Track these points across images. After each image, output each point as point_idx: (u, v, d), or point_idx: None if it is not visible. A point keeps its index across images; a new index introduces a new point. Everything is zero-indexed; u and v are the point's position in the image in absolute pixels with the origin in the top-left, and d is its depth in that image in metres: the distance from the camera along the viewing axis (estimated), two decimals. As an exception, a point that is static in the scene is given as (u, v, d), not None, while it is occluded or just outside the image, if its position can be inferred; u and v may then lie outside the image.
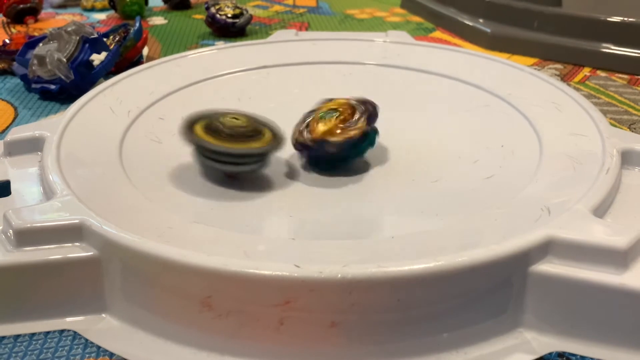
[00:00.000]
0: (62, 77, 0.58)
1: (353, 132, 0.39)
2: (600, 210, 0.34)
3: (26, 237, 0.32)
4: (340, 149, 0.40)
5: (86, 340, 0.31)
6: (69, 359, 0.30)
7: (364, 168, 0.42)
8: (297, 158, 0.43)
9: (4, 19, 0.88)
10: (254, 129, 0.39)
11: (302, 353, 0.30)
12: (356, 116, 0.40)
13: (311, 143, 0.40)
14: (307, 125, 0.41)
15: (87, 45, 0.60)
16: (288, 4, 1.01)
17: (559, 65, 0.69)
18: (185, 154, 0.43)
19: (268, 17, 0.93)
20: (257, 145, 0.39)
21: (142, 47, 0.69)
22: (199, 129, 0.39)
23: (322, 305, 0.29)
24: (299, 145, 0.41)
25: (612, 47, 0.68)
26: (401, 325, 0.29)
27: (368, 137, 0.40)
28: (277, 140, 0.40)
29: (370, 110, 0.41)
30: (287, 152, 0.43)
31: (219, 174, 0.41)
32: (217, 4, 0.82)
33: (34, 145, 0.42)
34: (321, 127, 0.40)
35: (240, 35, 0.82)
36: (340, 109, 0.40)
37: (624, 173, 0.39)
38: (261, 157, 0.39)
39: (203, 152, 0.39)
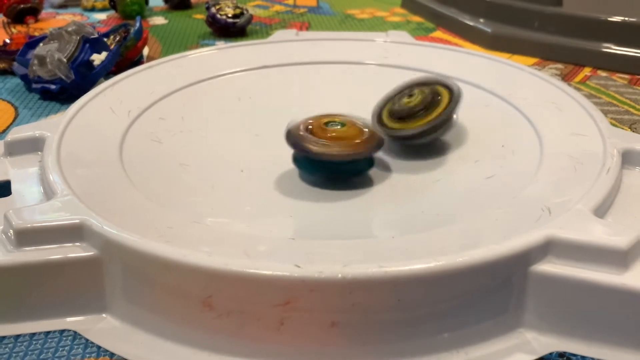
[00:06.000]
0: (63, 77, 0.58)
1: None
2: (601, 211, 0.34)
3: (27, 237, 0.32)
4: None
5: (86, 340, 0.31)
6: (70, 359, 0.30)
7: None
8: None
9: (5, 19, 0.88)
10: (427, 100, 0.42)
11: (302, 353, 0.30)
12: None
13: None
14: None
15: (87, 45, 0.60)
16: (288, 4, 1.01)
17: (559, 65, 0.69)
18: (185, 154, 0.43)
19: (268, 17, 0.93)
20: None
21: (143, 47, 0.69)
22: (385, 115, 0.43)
23: (323, 305, 0.29)
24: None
25: (613, 47, 0.68)
26: (401, 325, 0.29)
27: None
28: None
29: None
30: (287, 152, 0.43)
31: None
32: (218, 4, 0.82)
33: (35, 145, 0.42)
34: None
35: (240, 35, 0.82)
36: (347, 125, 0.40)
37: (624, 173, 0.39)
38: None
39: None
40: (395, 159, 0.43)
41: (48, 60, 0.59)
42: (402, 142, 0.43)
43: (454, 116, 0.42)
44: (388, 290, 0.28)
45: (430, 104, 0.42)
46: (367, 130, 0.40)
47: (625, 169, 0.39)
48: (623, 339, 0.30)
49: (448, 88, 0.42)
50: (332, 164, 0.39)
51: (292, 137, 0.39)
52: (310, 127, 0.39)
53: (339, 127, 0.39)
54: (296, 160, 0.40)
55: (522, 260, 0.30)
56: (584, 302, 0.30)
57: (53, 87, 0.59)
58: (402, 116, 0.42)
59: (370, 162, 0.40)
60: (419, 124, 0.42)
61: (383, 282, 0.28)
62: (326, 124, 0.39)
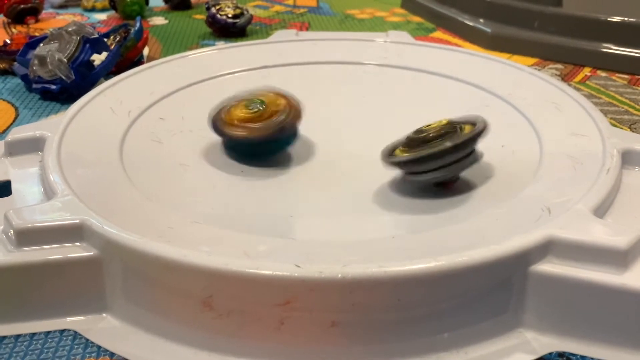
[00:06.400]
0: (63, 77, 0.58)
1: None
2: (601, 210, 0.34)
3: (27, 237, 0.32)
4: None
5: (87, 340, 0.31)
6: (70, 359, 0.30)
7: (364, 168, 0.42)
8: (297, 158, 0.43)
9: (5, 19, 0.88)
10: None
11: (302, 353, 0.30)
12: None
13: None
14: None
15: (87, 45, 0.60)
16: (288, 4, 1.01)
17: (559, 65, 0.69)
18: (185, 154, 0.43)
19: (268, 17, 0.93)
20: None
21: (143, 47, 0.69)
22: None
23: (323, 305, 0.29)
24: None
25: (613, 47, 0.68)
26: (401, 325, 0.29)
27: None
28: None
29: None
30: (287, 152, 0.43)
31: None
32: (218, 4, 0.82)
33: (35, 145, 0.42)
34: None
35: (240, 36, 0.82)
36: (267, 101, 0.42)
37: (624, 173, 0.39)
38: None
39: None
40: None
41: (48, 60, 0.59)
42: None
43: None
44: (388, 290, 0.28)
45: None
46: (284, 108, 0.41)
47: (625, 169, 0.39)
48: (623, 339, 0.30)
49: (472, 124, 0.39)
50: (247, 145, 0.42)
51: (213, 122, 0.42)
52: (230, 110, 0.42)
53: (258, 107, 0.41)
54: (226, 146, 0.43)
55: (522, 260, 0.30)
56: (584, 302, 0.30)
57: (53, 87, 0.59)
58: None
59: (287, 141, 0.43)
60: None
61: (383, 282, 0.28)
62: (246, 105, 0.42)
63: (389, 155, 0.39)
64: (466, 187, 0.39)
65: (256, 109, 0.41)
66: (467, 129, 0.38)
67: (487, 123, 0.38)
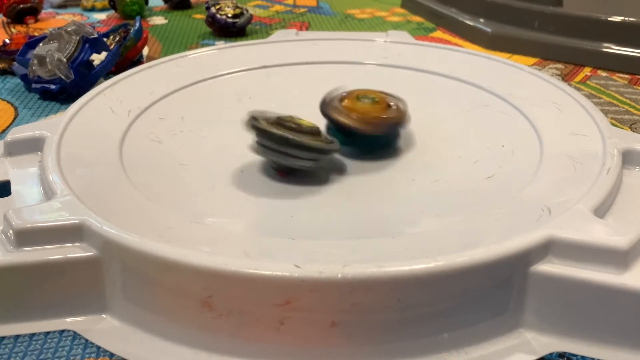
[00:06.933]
0: (62, 77, 0.58)
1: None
2: (601, 210, 0.34)
3: (26, 237, 0.32)
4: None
5: (86, 340, 0.31)
6: (69, 359, 0.30)
7: (364, 168, 0.42)
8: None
9: (4, 19, 0.88)
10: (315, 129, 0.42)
11: (302, 353, 0.30)
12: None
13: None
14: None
15: (87, 45, 0.60)
16: (288, 4, 1.01)
17: (559, 65, 0.69)
18: (185, 154, 0.43)
19: (268, 17, 0.93)
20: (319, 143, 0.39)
21: (142, 47, 0.69)
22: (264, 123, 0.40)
23: (323, 305, 0.29)
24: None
25: (613, 47, 0.68)
26: (401, 325, 0.29)
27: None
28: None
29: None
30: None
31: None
32: (218, 3, 0.82)
33: (34, 145, 0.42)
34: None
35: (240, 35, 0.82)
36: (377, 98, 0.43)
37: (624, 173, 0.39)
38: (321, 154, 0.40)
39: (267, 143, 0.39)
40: (395, 158, 0.43)
41: (48, 60, 0.59)
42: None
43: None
44: (388, 290, 0.28)
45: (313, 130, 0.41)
46: (394, 108, 0.43)
47: (626, 169, 0.39)
48: (623, 339, 0.30)
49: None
50: (354, 135, 0.42)
51: (323, 106, 0.43)
52: (343, 99, 0.43)
53: (369, 101, 0.42)
54: (328, 129, 0.43)
55: (522, 260, 0.30)
56: (584, 302, 0.30)
57: (53, 87, 0.59)
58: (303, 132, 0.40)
59: (388, 139, 0.44)
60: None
61: (383, 282, 0.28)
62: (358, 97, 0.43)
63: (255, 118, 0.40)
64: (466, 187, 0.39)
65: (369, 102, 0.42)
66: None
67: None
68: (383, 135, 0.43)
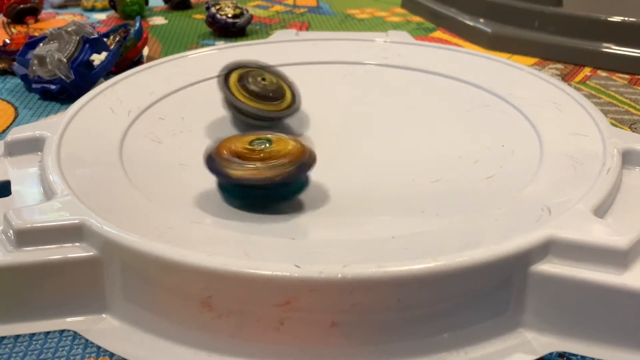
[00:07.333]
0: (63, 77, 0.58)
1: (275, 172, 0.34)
2: (601, 210, 0.34)
3: (26, 237, 0.32)
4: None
5: (86, 340, 0.31)
6: (69, 359, 0.30)
7: (365, 168, 0.42)
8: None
9: (5, 19, 0.88)
10: (278, 89, 0.45)
11: (302, 353, 0.29)
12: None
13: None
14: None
15: (87, 45, 0.60)
16: (288, 4, 1.01)
17: (559, 65, 0.69)
18: (185, 154, 0.43)
19: (268, 17, 0.93)
20: (273, 109, 0.44)
21: (143, 47, 0.69)
22: (233, 80, 0.45)
23: (323, 306, 0.29)
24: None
25: (613, 47, 0.68)
26: (401, 325, 0.29)
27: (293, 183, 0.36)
28: (294, 106, 0.45)
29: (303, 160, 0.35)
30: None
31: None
32: (218, 4, 0.82)
33: (34, 145, 0.42)
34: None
35: (240, 35, 0.82)
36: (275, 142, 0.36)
37: (624, 173, 0.39)
38: (274, 120, 0.45)
39: (231, 106, 0.45)
40: (395, 158, 0.43)
41: (48, 60, 0.59)
42: (250, 120, 0.45)
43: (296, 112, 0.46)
44: (388, 290, 0.28)
45: (278, 93, 0.45)
46: (297, 145, 0.36)
47: (626, 169, 0.39)
48: (623, 339, 0.30)
49: (289, 87, 0.47)
50: (260, 189, 0.35)
51: (211, 161, 0.35)
52: (234, 147, 0.35)
53: (266, 145, 0.35)
54: (220, 187, 0.36)
55: (522, 260, 0.30)
56: (584, 302, 0.30)
57: (53, 87, 0.59)
58: (256, 95, 0.44)
59: (301, 185, 0.37)
60: (276, 109, 0.45)
61: (383, 282, 0.28)
62: (251, 142, 0.36)
63: (232, 94, 0.44)
64: (466, 187, 0.39)
65: (262, 147, 0.35)
66: (287, 88, 0.46)
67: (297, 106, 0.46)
68: (291, 182, 0.36)
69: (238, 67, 0.45)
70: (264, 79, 0.45)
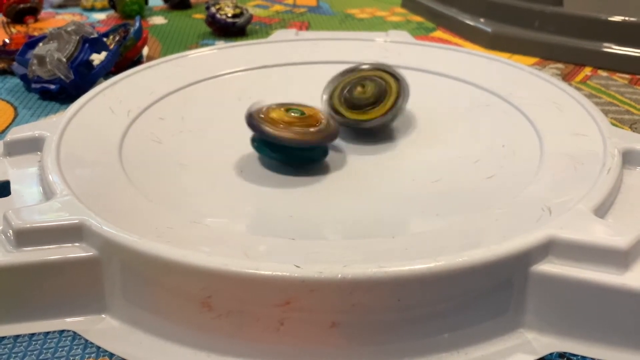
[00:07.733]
0: (62, 77, 0.58)
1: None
2: (602, 210, 0.34)
3: (26, 237, 0.32)
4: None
5: (86, 340, 0.31)
6: (69, 359, 0.30)
7: (364, 168, 0.42)
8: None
9: (4, 18, 0.88)
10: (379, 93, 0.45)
11: (302, 353, 0.29)
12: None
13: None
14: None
15: (87, 45, 0.60)
16: (288, 4, 1.01)
17: (560, 65, 0.69)
18: (185, 154, 0.43)
19: (268, 17, 0.93)
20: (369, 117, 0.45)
21: (142, 47, 0.68)
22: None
23: (323, 306, 0.28)
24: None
25: (614, 47, 0.68)
26: (401, 325, 0.29)
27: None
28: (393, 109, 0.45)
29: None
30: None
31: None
32: (218, 3, 0.82)
33: (34, 145, 0.42)
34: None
35: (240, 35, 0.82)
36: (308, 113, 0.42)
37: (625, 173, 0.39)
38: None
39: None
40: (395, 158, 0.43)
41: (47, 60, 0.59)
42: (356, 128, 0.46)
43: (405, 105, 0.45)
44: (388, 290, 0.28)
45: (382, 94, 0.45)
46: (325, 120, 0.42)
47: (626, 169, 0.39)
48: (623, 339, 0.30)
49: (394, 77, 0.45)
50: (286, 148, 0.40)
51: (251, 119, 0.40)
52: (271, 111, 0.41)
53: (298, 114, 0.41)
54: (253, 141, 0.42)
55: (522, 261, 0.30)
56: (584, 302, 0.30)
57: (52, 87, 0.59)
58: (358, 106, 0.45)
59: (324, 151, 0.42)
60: (378, 115, 0.45)
61: (383, 282, 0.28)
62: (287, 110, 0.41)
63: (338, 112, 0.44)
64: (466, 187, 0.39)
65: (298, 114, 0.41)
66: (392, 82, 0.44)
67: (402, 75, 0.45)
68: (310, 148, 0.41)
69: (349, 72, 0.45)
70: (363, 86, 0.44)
